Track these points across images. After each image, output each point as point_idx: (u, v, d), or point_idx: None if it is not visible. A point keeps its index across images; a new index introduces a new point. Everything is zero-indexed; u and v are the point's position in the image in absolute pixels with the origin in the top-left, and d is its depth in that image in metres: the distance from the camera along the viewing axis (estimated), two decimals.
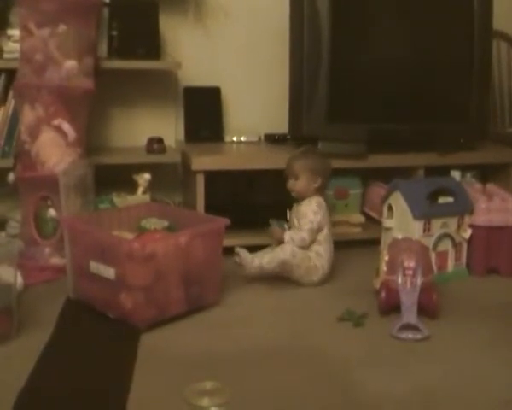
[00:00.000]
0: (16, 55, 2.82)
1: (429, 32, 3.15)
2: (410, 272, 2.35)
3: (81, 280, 2.46)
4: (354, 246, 3.13)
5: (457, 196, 2.84)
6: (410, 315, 2.27)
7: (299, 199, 2.74)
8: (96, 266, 2.34)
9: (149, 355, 2.12)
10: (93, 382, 1.95)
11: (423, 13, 3.13)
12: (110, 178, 2.97)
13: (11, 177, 2.85)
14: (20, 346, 2.15)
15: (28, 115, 2.74)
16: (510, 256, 2.83)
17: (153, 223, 2.59)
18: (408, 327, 2.25)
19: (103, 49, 3.05)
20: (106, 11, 3.03)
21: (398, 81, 3.11)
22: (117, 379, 1.97)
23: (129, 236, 2.53)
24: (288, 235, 2.66)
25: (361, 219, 3.17)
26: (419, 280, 2.33)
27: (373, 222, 3.19)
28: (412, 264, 2.36)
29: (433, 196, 2.82)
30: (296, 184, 2.71)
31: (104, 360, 2.09)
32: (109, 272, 2.30)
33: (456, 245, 2.83)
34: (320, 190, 2.74)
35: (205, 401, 1.83)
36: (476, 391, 1.93)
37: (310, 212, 2.68)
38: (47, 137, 2.73)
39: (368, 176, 3.24)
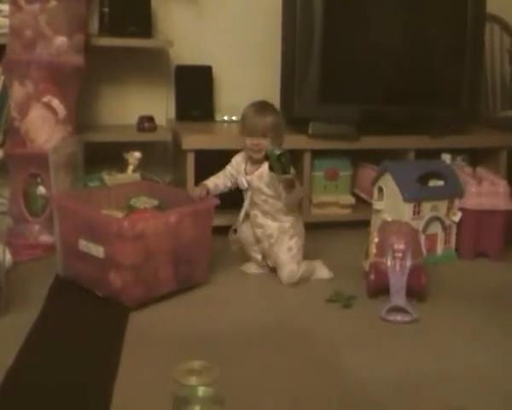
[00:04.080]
0: (6, 30, 2.77)
1: (423, 15, 3.13)
2: (400, 255, 2.36)
3: (70, 258, 2.45)
4: (344, 227, 3.14)
5: (448, 179, 2.84)
6: (398, 298, 2.28)
7: (257, 161, 2.53)
8: (86, 245, 2.34)
9: (138, 334, 2.12)
10: (81, 361, 1.95)
11: None
12: (100, 155, 2.95)
13: (0, 153, 2.83)
14: (8, 324, 2.15)
15: (18, 92, 2.71)
16: (499, 240, 2.84)
17: (142, 202, 2.58)
18: (396, 310, 2.26)
19: (94, 25, 3.02)
20: None
21: (391, 63, 3.10)
22: (105, 358, 1.97)
23: (118, 214, 2.52)
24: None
25: (351, 200, 3.17)
26: (408, 263, 2.34)
27: (363, 203, 3.19)
28: (402, 246, 2.37)
29: (424, 179, 2.82)
30: (264, 143, 2.48)
31: (92, 338, 2.09)
32: (98, 251, 2.29)
33: (445, 228, 2.83)
34: None
35: (193, 380, 1.84)
36: (463, 375, 1.95)
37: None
38: (37, 115, 2.70)
39: (358, 157, 3.23)
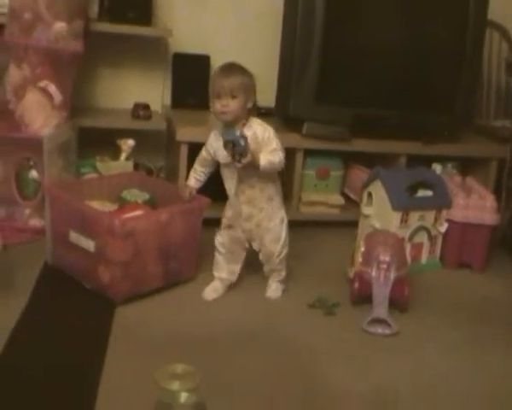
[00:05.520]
0: (5, 10, 2.75)
1: (423, 21, 3.12)
2: (385, 266, 2.39)
3: (60, 247, 2.47)
4: (332, 226, 3.17)
5: (437, 189, 2.87)
6: (380, 309, 2.31)
7: (228, 123, 2.34)
8: (76, 237, 2.36)
9: (123, 330, 2.16)
10: (67, 356, 1.99)
11: (418, 0, 3.12)
12: (94, 140, 2.97)
13: None
14: None
15: (14, 75, 2.70)
16: (482, 253, 2.88)
17: (134, 195, 2.60)
18: (378, 321, 2.30)
19: (94, 9, 3.00)
20: None
21: (388, 68, 3.09)
22: (91, 354, 2.01)
23: (110, 206, 2.54)
24: (263, 160, 2.30)
25: (341, 201, 3.19)
26: (392, 275, 2.37)
27: (352, 203, 3.22)
28: (387, 258, 2.40)
29: (413, 187, 2.84)
30: (233, 104, 2.30)
31: (79, 332, 2.13)
32: (89, 245, 2.31)
33: (431, 238, 2.87)
34: (252, 112, 2.38)
35: (175, 385, 1.88)
36: (439, 389, 2.00)
37: (270, 134, 2.36)
38: (33, 99, 2.70)
39: (350, 158, 3.25)
